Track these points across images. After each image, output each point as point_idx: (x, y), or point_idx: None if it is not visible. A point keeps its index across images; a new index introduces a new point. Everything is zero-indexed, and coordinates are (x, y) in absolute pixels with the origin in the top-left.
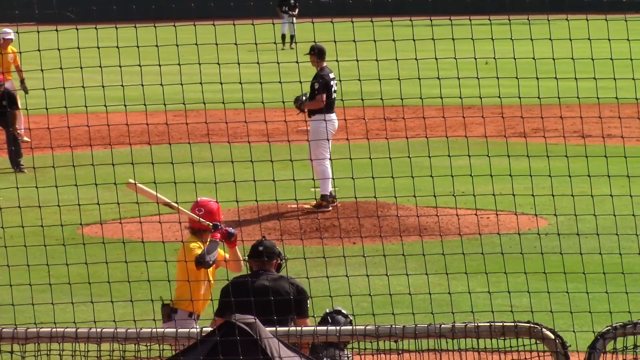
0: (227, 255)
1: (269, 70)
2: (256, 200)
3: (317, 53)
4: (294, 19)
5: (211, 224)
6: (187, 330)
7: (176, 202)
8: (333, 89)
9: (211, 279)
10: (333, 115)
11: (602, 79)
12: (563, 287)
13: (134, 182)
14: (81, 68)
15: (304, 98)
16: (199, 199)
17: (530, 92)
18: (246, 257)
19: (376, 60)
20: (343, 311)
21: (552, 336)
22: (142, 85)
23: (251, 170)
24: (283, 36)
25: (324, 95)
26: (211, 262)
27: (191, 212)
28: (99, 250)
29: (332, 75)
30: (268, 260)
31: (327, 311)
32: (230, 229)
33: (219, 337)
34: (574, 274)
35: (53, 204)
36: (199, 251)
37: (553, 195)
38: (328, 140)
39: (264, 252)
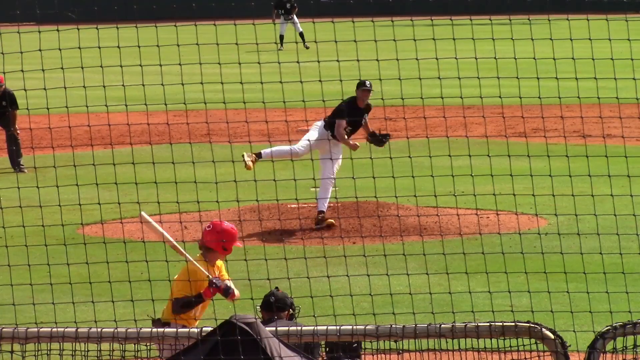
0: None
1: (269, 70)
2: (257, 200)
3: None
4: (295, 17)
5: (210, 277)
6: (187, 330)
7: (184, 248)
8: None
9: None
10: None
11: (602, 79)
12: (563, 287)
13: (146, 216)
14: (82, 68)
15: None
16: (215, 220)
17: (530, 92)
18: (258, 307)
19: (377, 60)
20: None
21: (552, 336)
22: (143, 85)
23: (251, 170)
24: (281, 37)
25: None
26: (178, 313)
27: (205, 233)
28: (100, 250)
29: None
30: (279, 311)
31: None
32: (227, 286)
33: (219, 337)
34: (574, 274)
35: (53, 203)
36: (201, 274)
37: (553, 195)
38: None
39: (275, 304)
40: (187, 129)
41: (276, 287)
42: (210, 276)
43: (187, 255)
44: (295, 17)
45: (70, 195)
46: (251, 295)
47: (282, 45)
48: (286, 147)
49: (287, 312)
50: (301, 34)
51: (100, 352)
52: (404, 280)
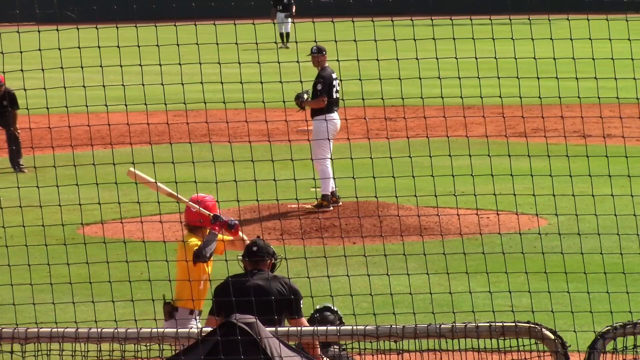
0: (231, 238)
1: (269, 70)
2: (257, 200)
3: (321, 53)
4: (290, 18)
5: (211, 215)
6: (187, 330)
7: (176, 192)
8: (335, 89)
9: (209, 270)
10: (335, 115)
11: (602, 79)
12: (563, 287)
13: (134, 170)
14: (82, 68)
15: (305, 96)
16: (193, 195)
17: (530, 92)
18: (239, 257)
19: (377, 60)
20: (332, 307)
21: (552, 336)
22: (143, 85)
23: (252, 170)
24: (281, 35)
25: (326, 97)
26: (208, 255)
27: (194, 215)
28: (100, 250)
29: (334, 75)
30: (262, 260)
31: (317, 307)
32: (231, 220)
33: (219, 337)
34: (574, 274)
35: (53, 203)
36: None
37: (554, 195)
38: (329, 140)
39: (257, 252)
40: (187, 129)
41: (258, 236)
42: (211, 214)
43: (184, 198)
44: (292, 15)
45: (70, 195)
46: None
47: (283, 43)
48: (327, 172)
49: (269, 261)
50: (287, 34)
51: (100, 352)
52: (404, 280)
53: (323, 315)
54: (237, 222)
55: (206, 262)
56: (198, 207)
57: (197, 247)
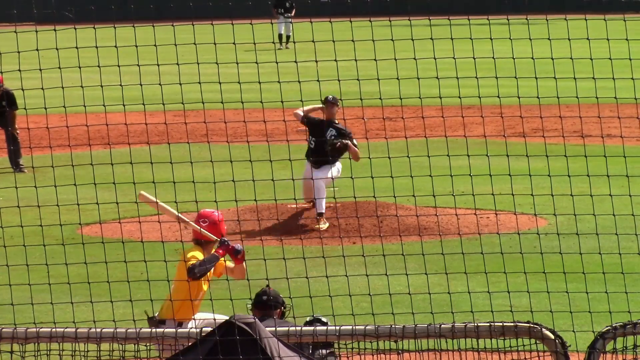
0: (232, 264)
1: (268, 70)
2: (255, 200)
3: (337, 104)
4: (291, 19)
5: (219, 239)
6: (187, 330)
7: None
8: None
9: (205, 288)
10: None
11: (601, 79)
12: (563, 287)
13: (147, 195)
14: (80, 68)
15: (355, 141)
16: (201, 210)
17: (529, 92)
18: (248, 306)
19: (375, 60)
20: (323, 319)
21: (552, 336)
22: (141, 85)
23: (250, 170)
24: (280, 36)
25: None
26: (198, 275)
27: (194, 223)
28: (99, 250)
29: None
30: (272, 309)
31: (307, 320)
32: (237, 246)
33: (218, 337)
34: (573, 274)
35: (52, 204)
36: (199, 255)
37: (552, 195)
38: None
39: (267, 302)
40: (185, 129)
41: (267, 285)
42: (218, 238)
43: (193, 224)
44: (291, 19)
45: (69, 195)
46: (250, 295)
47: (281, 44)
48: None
49: (279, 310)
50: (288, 37)
51: (99, 352)
52: (403, 281)
53: (313, 326)
54: (242, 248)
55: (196, 280)
56: (209, 233)
57: (193, 262)
